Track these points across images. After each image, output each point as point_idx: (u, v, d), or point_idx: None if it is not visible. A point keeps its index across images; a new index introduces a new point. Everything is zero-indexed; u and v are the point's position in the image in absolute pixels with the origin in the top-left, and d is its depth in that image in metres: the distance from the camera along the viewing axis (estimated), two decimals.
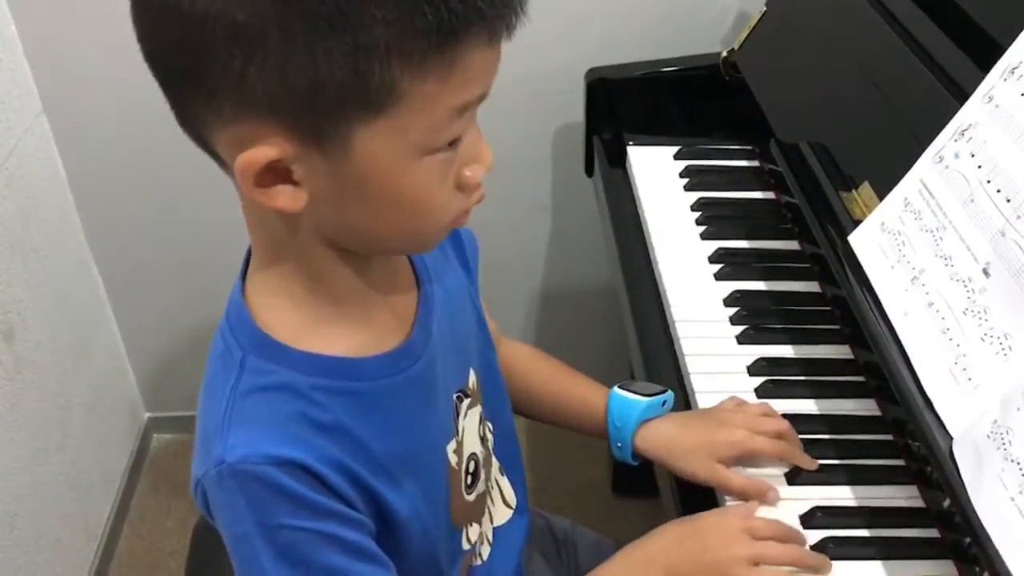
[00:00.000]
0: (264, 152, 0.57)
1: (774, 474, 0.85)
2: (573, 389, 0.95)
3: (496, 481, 0.87)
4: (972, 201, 0.78)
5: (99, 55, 1.45)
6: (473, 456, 0.80)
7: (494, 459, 0.86)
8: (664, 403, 0.90)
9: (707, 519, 0.79)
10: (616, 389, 0.92)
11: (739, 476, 0.84)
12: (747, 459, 0.85)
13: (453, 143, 0.60)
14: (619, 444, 0.90)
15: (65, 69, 1.47)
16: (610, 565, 0.79)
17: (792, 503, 0.83)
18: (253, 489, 0.62)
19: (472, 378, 0.81)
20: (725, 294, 1.04)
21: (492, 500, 0.86)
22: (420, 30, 0.54)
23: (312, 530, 0.64)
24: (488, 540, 0.85)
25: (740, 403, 0.89)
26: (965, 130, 0.81)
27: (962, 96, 0.83)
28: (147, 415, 1.90)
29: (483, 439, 0.82)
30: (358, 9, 0.52)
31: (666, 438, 0.87)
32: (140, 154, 1.55)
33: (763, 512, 0.81)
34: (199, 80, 0.56)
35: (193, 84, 0.56)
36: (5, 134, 1.40)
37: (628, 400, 0.90)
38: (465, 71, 0.57)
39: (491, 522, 0.86)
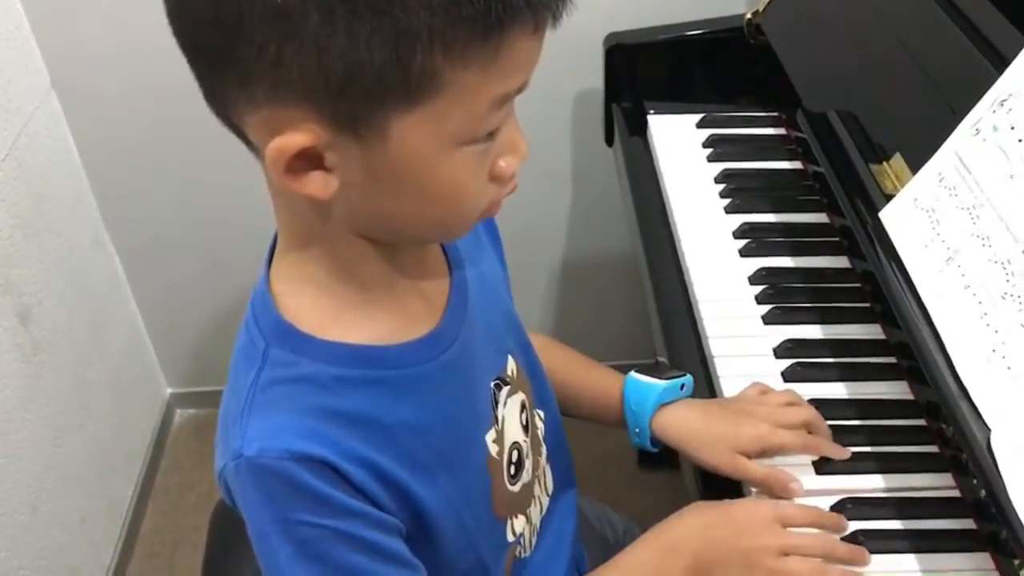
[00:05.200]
0: (297, 139, 0.55)
1: (802, 463, 0.82)
2: (589, 378, 0.93)
3: (544, 470, 0.85)
4: (1012, 177, 0.74)
5: (107, 30, 1.42)
6: (516, 445, 0.77)
7: (544, 448, 0.84)
8: (682, 386, 0.87)
9: (737, 506, 0.77)
10: (632, 373, 0.89)
11: (761, 468, 0.81)
12: (771, 452, 0.82)
13: (491, 134, 0.59)
14: (637, 430, 0.88)
15: (73, 45, 1.44)
16: (635, 549, 0.77)
17: (821, 493, 0.80)
18: (270, 484, 0.61)
19: (511, 365, 0.78)
20: (751, 271, 1.00)
21: (542, 489, 0.84)
22: (465, 18, 0.52)
23: (330, 527, 0.62)
24: (536, 530, 0.83)
25: (764, 390, 0.86)
26: (1004, 100, 0.77)
27: (1002, 63, 0.78)
28: (169, 391, 1.90)
29: (526, 428, 0.79)
30: None
31: (686, 427, 0.85)
32: (152, 129, 1.53)
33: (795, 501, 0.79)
34: (232, 61, 0.53)
35: (225, 65, 0.54)
36: (15, 114, 1.38)
37: (645, 384, 0.87)
38: (508, 61, 0.55)
39: (540, 512, 0.84)
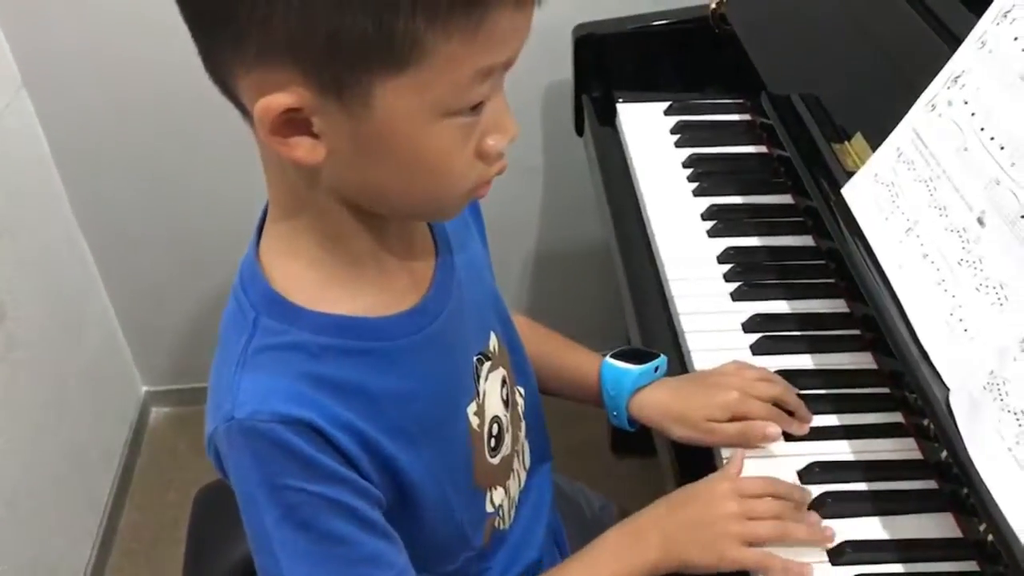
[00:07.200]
0: (283, 99, 0.56)
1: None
2: (567, 359, 0.95)
3: (523, 445, 0.87)
4: (966, 150, 0.77)
5: (78, 28, 1.43)
6: (496, 419, 0.79)
7: (523, 423, 0.86)
8: (657, 369, 0.90)
9: (697, 484, 0.79)
10: (608, 359, 0.91)
11: (734, 425, 0.84)
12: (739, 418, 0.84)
13: (476, 108, 0.59)
14: (615, 413, 0.90)
15: (44, 43, 1.44)
16: (605, 538, 0.79)
17: (789, 459, 0.83)
18: (260, 447, 0.62)
19: (493, 341, 0.80)
20: (719, 251, 1.03)
21: (520, 463, 0.86)
22: None
23: (317, 493, 0.63)
24: (515, 503, 0.85)
25: (741, 367, 0.89)
26: (958, 77, 0.80)
27: (954, 42, 0.82)
28: (144, 389, 1.90)
29: (507, 402, 0.81)
30: None
31: (660, 405, 0.87)
32: (124, 125, 1.53)
33: (763, 466, 0.81)
34: (227, 21, 0.55)
35: (221, 26, 0.56)
36: None
37: (620, 370, 0.89)
38: (491, 33, 0.56)
39: (518, 486, 0.86)
